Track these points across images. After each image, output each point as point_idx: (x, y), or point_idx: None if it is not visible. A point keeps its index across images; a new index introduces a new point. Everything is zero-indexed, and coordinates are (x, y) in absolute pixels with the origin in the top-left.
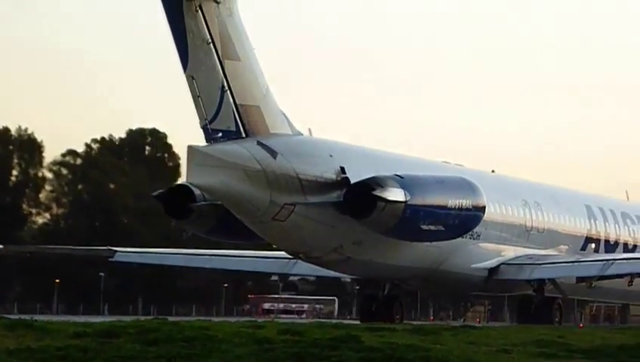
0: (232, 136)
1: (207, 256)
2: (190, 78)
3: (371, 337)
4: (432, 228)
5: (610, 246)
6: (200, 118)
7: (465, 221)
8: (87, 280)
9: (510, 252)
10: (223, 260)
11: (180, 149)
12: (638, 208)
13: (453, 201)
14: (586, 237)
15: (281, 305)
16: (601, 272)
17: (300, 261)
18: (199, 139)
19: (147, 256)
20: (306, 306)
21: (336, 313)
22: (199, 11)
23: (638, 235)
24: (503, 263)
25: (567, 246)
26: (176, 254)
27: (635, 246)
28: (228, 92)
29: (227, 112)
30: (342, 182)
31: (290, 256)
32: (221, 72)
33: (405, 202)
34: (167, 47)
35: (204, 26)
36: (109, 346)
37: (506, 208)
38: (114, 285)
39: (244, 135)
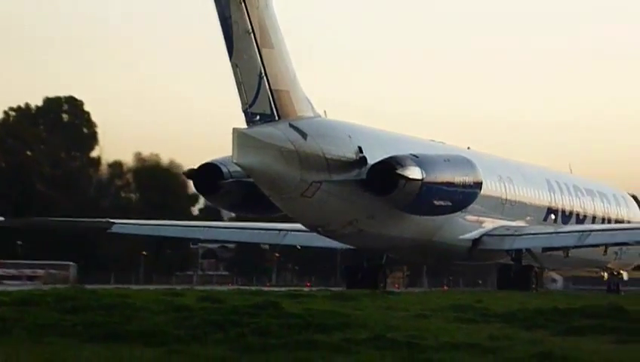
0: (267, 118)
1: (203, 228)
2: (234, 66)
3: (291, 304)
4: (442, 203)
5: (566, 217)
6: (242, 102)
7: (467, 196)
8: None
9: (489, 224)
10: (217, 231)
11: (97, 117)
12: (585, 181)
13: (458, 178)
14: (548, 208)
15: (14, 271)
16: (578, 242)
17: (290, 232)
18: (120, 106)
19: (144, 228)
20: (40, 271)
21: (72, 278)
22: (242, 3)
23: (587, 206)
24: (484, 234)
25: (532, 218)
26: (172, 226)
27: (585, 216)
28: (265, 78)
29: (263, 97)
30: (360, 161)
31: (280, 228)
32: (259, 59)
33: (422, 180)
34: (85, 14)
35: (247, 16)
36: (27, 314)
37: (485, 183)
38: (31, 250)
39: (276, 118)
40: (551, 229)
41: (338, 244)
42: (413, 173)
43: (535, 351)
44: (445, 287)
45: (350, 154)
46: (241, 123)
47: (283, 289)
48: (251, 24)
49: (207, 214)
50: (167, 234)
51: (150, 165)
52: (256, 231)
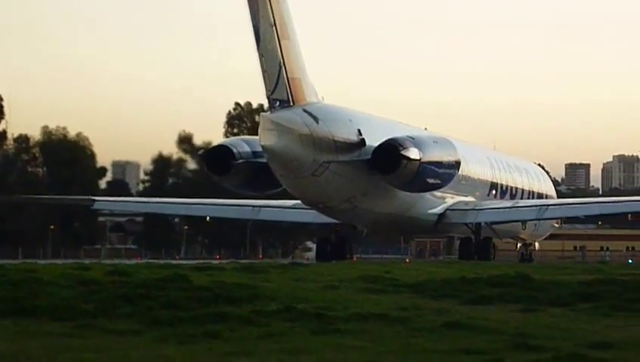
0: (284, 104)
1: (182, 204)
2: (260, 56)
3: (200, 276)
4: (433, 181)
5: (503, 192)
6: (266, 89)
7: (450, 174)
8: None
9: (450, 200)
10: (197, 208)
11: (3, 90)
12: (512, 158)
13: (445, 158)
14: (490, 184)
15: None
16: (537, 216)
17: (262, 208)
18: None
19: (125, 205)
20: None
21: None
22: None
23: (517, 182)
24: (447, 209)
25: (480, 193)
26: (152, 203)
27: (516, 190)
28: (283, 67)
29: (282, 84)
30: (360, 142)
31: (254, 205)
32: (279, 50)
33: (420, 160)
34: None
35: (270, 10)
36: None
37: None
38: None
39: (291, 103)
40: (509, 204)
41: (310, 219)
42: (413, 153)
43: (443, 321)
44: (407, 260)
45: (352, 136)
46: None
47: (192, 262)
48: (274, 17)
49: (113, 187)
50: (147, 210)
51: (57, 139)
52: (231, 207)
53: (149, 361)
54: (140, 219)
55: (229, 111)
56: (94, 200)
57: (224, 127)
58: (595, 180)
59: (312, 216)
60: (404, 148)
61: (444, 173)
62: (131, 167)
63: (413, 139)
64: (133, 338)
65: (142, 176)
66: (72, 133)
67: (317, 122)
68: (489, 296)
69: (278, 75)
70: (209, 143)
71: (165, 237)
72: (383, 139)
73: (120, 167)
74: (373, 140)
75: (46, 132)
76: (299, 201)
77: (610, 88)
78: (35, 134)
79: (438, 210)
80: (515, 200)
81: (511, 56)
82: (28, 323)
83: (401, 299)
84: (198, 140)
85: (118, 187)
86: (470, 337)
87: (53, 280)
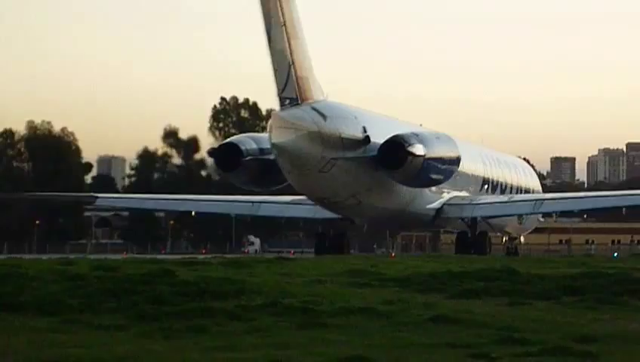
0: (294, 102)
1: (182, 201)
2: (272, 55)
3: (186, 271)
4: (436, 176)
5: (494, 187)
6: (277, 88)
7: (451, 170)
8: None
9: (446, 195)
10: (196, 204)
11: None
12: (500, 154)
13: (447, 154)
14: (483, 180)
15: None
16: (533, 210)
17: (262, 204)
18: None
19: (127, 201)
20: None
21: None
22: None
23: (507, 177)
24: (444, 204)
25: (473, 188)
26: (153, 199)
27: (506, 186)
28: (293, 66)
29: (291, 83)
30: (365, 139)
31: (253, 200)
32: (289, 49)
33: (424, 156)
34: None
35: (280, 10)
36: None
37: None
38: None
39: (300, 101)
40: (505, 198)
41: (310, 214)
42: (418, 149)
43: (429, 315)
44: (393, 254)
45: (358, 133)
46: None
47: (178, 257)
48: (284, 17)
49: (99, 182)
50: (148, 207)
51: (42, 133)
52: (231, 203)
53: (135, 356)
54: (125, 213)
55: (215, 106)
56: (96, 197)
57: (209, 121)
58: (581, 174)
59: (311, 211)
60: (409, 145)
61: (446, 169)
62: (117, 162)
63: (417, 135)
64: (118, 333)
65: (127, 170)
66: (57, 128)
67: (325, 120)
68: (475, 289)
69: (288, 74)
70: (194, 138)
71: (151, 232)
72: (386, 136)
73: (105, 162)
74: (377, 137)
75: (31, 127)
76: (297, 197)
77: (596, 82)
78: (20, 129)
79: (436, 204)
80: (509, 195)
81: (499, 50)
82: (13, 318)
83: (387, 293)
84: (183, 135)
85: (104, 182)
86: (456, 331)
87: (39, 276)
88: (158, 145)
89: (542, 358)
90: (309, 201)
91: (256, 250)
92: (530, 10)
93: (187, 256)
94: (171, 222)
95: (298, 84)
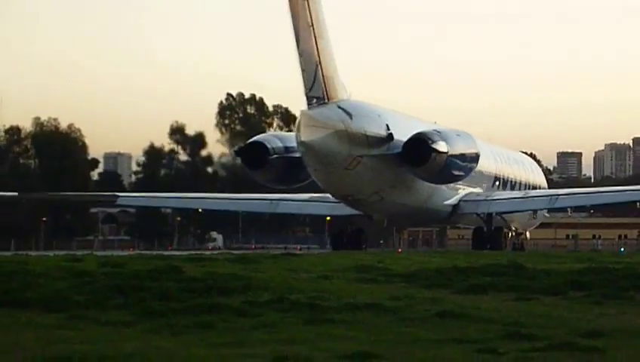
0: (320, 101)
1: (201, 199)
2: (300, 55)
3: (193, 268)
4: (457, 173)
5: (504, 183)
6: (305, 87)
7: (471, 166)
8: None
9: (462, 191)
10: (215, 202)
11: None
12: (508, 151)
13: (468, 151)
14: (495, 177)
15: None
16: (549, 205)
17: (280, 202)
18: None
19: (147, 200)
20: None
21: None
22: (306, 1)
23: (516, 174)
24: (461, 200)
25: (486, 185)
26: (173, 198)
27: (515, 182)
28: (319, 66)
29: (318, 82)
30: (388, 137)
31: (272, 198)
32: (316, 49)
33: (447, 152)
34: None
35: (308, 11)
36: None
37: None
38: None
39: (326, 100)
40: (520, 194)
41: (327, 211)
42: (442, 146)
43: (435, 310)
44: (400, 250)
45: (382, 131)
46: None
47: (184, 253)
48: (311, 18)
49: (105, 179)
50: (168, 206)
51: (49, 130)
52: (249, 201)
53: (142, 352)
54: (132, 210)
55: (221, 102)
56: (117, 196)
57: (216, 117)
58: (587, 169)
59: (328, 208)
60: (433, 142)
61: (466, 166)
62: (123, 159)
63: (439, 132)
64: (125, 330)
65: (134, 167)
66: (63, 124)
67: (351, 118)
68: (482, 285)
69: (315, 74)
70: (201, 134)
71: (158, 228)
72: (407, 134)
73: (112, 158)
74: (399, 135)
75: (37, 123)
76: (315, 195)
77: (602, 77)
78: (27, 125)
79: (453, 201)
80: (524, 191)
81: (506, 46)
82: (20, 315)
83: (393, 288)
84: (190, 131)
85: (110, 179)
86: (463, 326)
87: (46, 272)
88: (164, 142)
89: (548, 353)
90: (328, 199)
91: (219, 247)
92: (537, 7)
93: (194, 251)
94: (178, 218)
95: (324, 83)
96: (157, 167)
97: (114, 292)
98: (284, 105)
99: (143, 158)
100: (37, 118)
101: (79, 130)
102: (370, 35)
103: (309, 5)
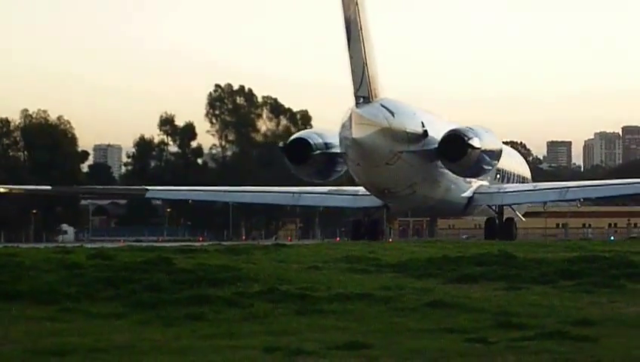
0: (366, 100)
1: (226, 192)
2: (350, 57)
3: (183, 259)
4: (486, 167)
5: (502, 176)
6: (354, 87)
7: (495, 161)
8: None
9: (474, 184)
10: (240, 195)
11: None
12: (505, 146)
13: (495, 147)
14: (497, 169)
15: None
16: (560, 197)
17: (302, 195)
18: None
19: (175, 193)
20: None
21: None
22: (357, 5)
23: (510, 166)
24: (475, 193)
25: (490, 178)
26: (199, 191)
27: (510, 174)
28: (366, 66)
29: (365, 82)
30: (424, 133)
31: (294, 191)
32: (363, 51)
33: (480, 148)
34: None
35: (357, 15)
36: None
37: None
38: None
39: (371, 100)
40: (530, 187)
41: (348, 204)
42: (476, 142)
43: (426, 300)
44: (390, 240)
45: (418, 128)
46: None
47: (175, 244)
48: (360, 21)
49: (95, 170)
50: (195, 198)
51: (38, 122)
52: (273, 193)
53: (133, 344)
54: (123, 202)
55: (210, 93)
56: (147, 189)
57: (205, 108)
58: (577, 158)
59: (349, 200)
60: (469, 138)
61: (493, 160)
62: (113, 151)
63: (472, 129)
64: (116, 322)
65: (124, 159)
66: (52, 116)
67: (393, 116)
68: (472, 274)
69: (362, 74)
70: (191, 125)
71: (148, 220)
72: (437, 130)
73: (102, 150)
74: (431, 132)
75: (27, 115)
76: (334, 188)
77: (591, 66)
78: (16, 118)
79: (468, 193)
80: (534, 184)
81: (496, 37)
82: (10, 307)
83: (384, 278)
84: (180, 122)
85: (100, 170)
86: (453, 316)
87: (36, 264)
88: (154, 133)
89: (539, 342)
90: (345, 191)
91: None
92: None
93: (184, 243)
94: (168, 209)
95: (370, 83)
96: (147, 158)
97: (104, 285)
98: (274, 96)
99: (133, 150)
100: (26, 110)
101: (69, 122)
102: None
103: (358, 10)
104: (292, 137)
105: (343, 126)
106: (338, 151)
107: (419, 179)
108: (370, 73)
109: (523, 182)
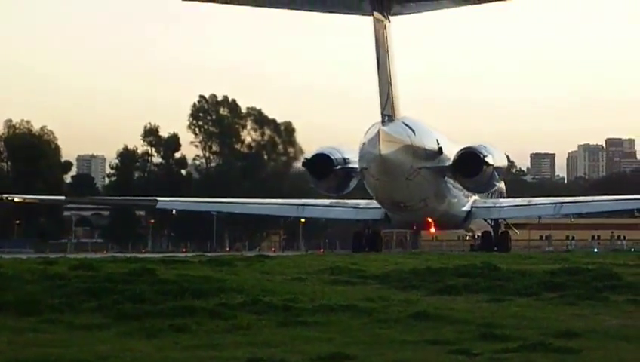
0: (390, 119)
1: (233, 204)
2: (379, 78)
3: (166, 270)
4: (495, 182)
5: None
6: (381, 106)
7: (503, 177)
8: None
9: (471, 198)
10: (246, 206)
11: None
12: None
13: (503, 163)
14: None
15: None
16: (555, 212)
17: (306, 207)
18: None
19: (185, 204)
20: None
21: None
22: (385, 28)
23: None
24: (473, 206)
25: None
26: (209, 202)
27: (495, 188)
28: (391, 87)
29: (389, 101)
30: (439, 151)
31: (298, 203)
32: (389, 72)
33: (493, 165)
34: None
35: (386, 38)
36: None
37: None
38: None
39: (393, 118)
40: (525, 202)
41: (350, 216)
42: (490, 159)
43: (410, 311)
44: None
45: (435, 145)
46: None
47: (158, 255)
48: (388, 44)
49: (79, 181)
50: (205, 210)
51: (21, 133)
52: (279, 206)
53: (116, 355)
54: (106, 213)
55: (194, 104)
56: (157, 200)
57: (189, 119)
58: (561, 170)
59: (350, 213)
60: (484, 155)
61: (501, 176)
62: (97, 161)
63: (485, 147)
64: (99, 333)
65: (108, 170)
66: (36, 126)
67: (414, 133)
68: (456, 286)
69: (388, 94)
70: (175, 136)
71: (132, 230)
72: (449, 148)
73: (85, 161)
74: (444, 149)
75: (10, 126)
76: (335, 200)
77: (574, 79)
78: None
79: (467, 207)
80: (528, 199)
81: (479, 48)
82: None
83: (367, 290)
84: (163, 132)
85: (84, 181)
86: (437, 327)
87: (18, 275)
88: (138, 144)
89: (522, 354)
90: (346, 204)
91: None
92: (507, 6)
93: (168, 254)
94: (152, 220)
95: (393, 102)
96: (131, 170)
97: (88, 295)
98: (258, 107)
99: (116, 161)
100: (9, 121)
101: (52, 133)
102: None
103: (387, 34)
104: (314, 152)
105: (368, 142)
106: (356, 166)
107: (431, 193)
108: (394, 94)
109: (501, 196)
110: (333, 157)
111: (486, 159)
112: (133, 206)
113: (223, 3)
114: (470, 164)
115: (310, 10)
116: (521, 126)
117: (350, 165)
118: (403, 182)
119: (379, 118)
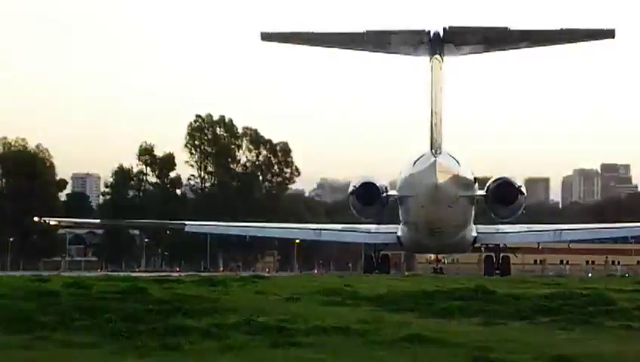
0: (439, 150)
1: (257, 228)
2: (434, 114)
3: (159, 289)
4: (521, 210)
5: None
6: (431, 139)
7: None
8: None
9: (473, 224)
10: (269, 231)
11: None
12: None
13: (526, 192)
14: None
15: None
16: (554, 238)
17: (323, 231)
18: None
19: (211, 228)
20: None
21: None
22: (440, 69)
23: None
24: (479, 232)
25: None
26: (233, 226)
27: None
28: (440, 122)
29: (438, 135)
30: (474, 180)
31: (315, 228)
32: (440, 107)
33: (525, 194)
34: None
35: (440, 78)
36: None
37: None
38: None
39: (440, 150)
40: (525, 228)
41: (364, 239)
42: (523, 188)
43: (403, 334)
44: (407, 273)
45: (471, 176)
46: None
47: (152, 274)
48: (441, 82)
49: (73, 199)
50: (230, 233)
51: (16, 150)
52: (298, 230)
53: None
54: (100, 231)
55: (190, 123)
56: (185, 224)
57: (185, 138)
58: (555, 194)
59: (364, 236)
60: (519, 185)
61: (524, 204)
62: (92, 180)
63: (514, 177)
64: (91, 351)
65: (102, 188)
66: (31, 144)
67: (459, 165)
68: (450, 309)
69: (437, 128)
70: (170, 155)
71: (125, 249)
72: (493, 177)
73: (80, 179)
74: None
75: (5, 143)
76: (348, 225)
77: (570, 103)
78: None
79: (474, 232)
80: (528, 226)
81: (473, 72)
82: None
83: (361, 312)
84: (159, 151)
85: (79, 199)
86: (431, 350)
87: (11, 292)
88: (133, 163)
89: None
90: (359, 229)
91: None
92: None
93: (161, 273)
94: (146, 239)
95: (440, 135)
96: (126, 188)
97: (80, 314)
98: (254, 127)
99: (111, 179)
100: (4, 138)
101: (47, 151)
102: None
103: (441, 73)
104: (362, 181)
105: (421, 172)
106: (395, 193)
107: (464, 220)
108: (441, 128)
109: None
110: (379, 185)
111: (521, 188)
112: (162, 228)
113: (302, 44)
114: (507, 194)
115: (373, 52)
116: (516, 150)
117: (391, 192)
118: (446, 209)
119: (377, 142)
